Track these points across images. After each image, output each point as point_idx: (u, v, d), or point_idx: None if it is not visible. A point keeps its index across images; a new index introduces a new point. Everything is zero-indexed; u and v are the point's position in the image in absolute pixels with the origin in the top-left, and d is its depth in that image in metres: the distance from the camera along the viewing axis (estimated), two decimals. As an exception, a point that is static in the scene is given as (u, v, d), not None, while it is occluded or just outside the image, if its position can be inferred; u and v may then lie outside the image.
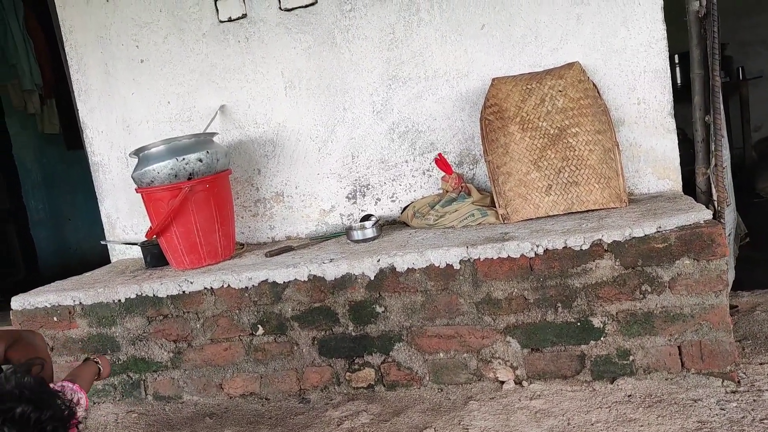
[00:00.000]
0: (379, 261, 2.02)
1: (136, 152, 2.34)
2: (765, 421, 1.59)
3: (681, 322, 1.84)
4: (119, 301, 2.25)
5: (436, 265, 1.98)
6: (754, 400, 1.70)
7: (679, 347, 1.86)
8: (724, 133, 2.39)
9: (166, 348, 2.26)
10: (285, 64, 2.63)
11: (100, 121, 2.87)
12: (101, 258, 3.01)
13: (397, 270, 2.01)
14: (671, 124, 2.34)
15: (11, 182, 4.78)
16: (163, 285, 2.20)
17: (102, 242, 2.88)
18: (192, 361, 2.24)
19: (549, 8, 2.34)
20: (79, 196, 4.87)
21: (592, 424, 1.70)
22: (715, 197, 2.38)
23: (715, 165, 2.37)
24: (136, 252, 2.81)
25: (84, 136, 2.90)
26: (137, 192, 2.38)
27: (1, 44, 4.46)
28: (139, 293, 2.23)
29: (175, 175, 2.25)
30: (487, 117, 2.32)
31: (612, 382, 1.89)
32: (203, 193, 2.30)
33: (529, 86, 2.30)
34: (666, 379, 1.86)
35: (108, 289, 2.26)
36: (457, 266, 1.96)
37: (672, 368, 1.87)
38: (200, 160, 2.29)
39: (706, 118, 2.39)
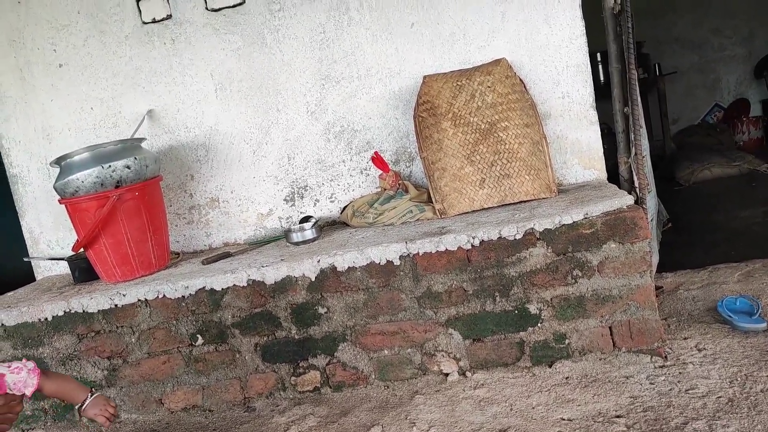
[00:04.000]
0: (319, 261, 2.00)
1: (58, 161, 2.22)
2: (690, 391, 1.69)
3: (611, 304, 1.93)
4: (45, 319, 2.13)
5: (377, 262, 1.99)
6: (680, 373, 1.80)
7: (610, 328, 1.95)
8: (642, 123, 2.53)
9: (100, 366, 2.16)
10: (214, 66, 2.57)
11: (17, 130, 2.71)
12: (26, 276, 2.83)
13: (338, 269, 2.00)
14: (594, 116, 2.45)
15: None
16: (94, 299, 2.10)
17: (25, 259, 2.72)
18: (128, 378, 2.15)
19: (475, 6, 2.40)
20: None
21: (533, 408, 1.76)
22: (636, 184, 2.51)
23: (635, 154, 2.50)
24: (64, 268, 2.67)
25: (0, 148, 2.73)
26: (61, 203, 2.26)
27: None
28: (68, 310, 2.12)
29: (101, 184, 2.15)
30: (420, 114, 2.35)
31: (550, 366, 1.96)
32: (133, 202, 2.22)
33: (459, 83, 2.35)
34: (600, 359, 1.94)
35: (33, 308, 2.14)
36: (397, 262, 1.98)
37: (605, 348, 1.96)
38: (128, 167, 2.20)
39: (625, 110, 2.51)
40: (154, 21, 2.56)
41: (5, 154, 2.74)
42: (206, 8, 2.53)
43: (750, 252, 2.78)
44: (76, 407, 1.39)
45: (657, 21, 5.96)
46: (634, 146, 2.49)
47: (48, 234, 2.74)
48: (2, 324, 2.15)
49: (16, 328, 2.15)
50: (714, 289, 2.45)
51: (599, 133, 2.47)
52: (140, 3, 2.55)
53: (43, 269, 2.78)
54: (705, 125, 6.30)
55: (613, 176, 2.49)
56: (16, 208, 2.76)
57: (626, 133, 2.54)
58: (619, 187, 2.28)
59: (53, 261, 2.69)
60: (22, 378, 1.23)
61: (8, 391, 1.20)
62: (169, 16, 2.55)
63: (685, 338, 2.04)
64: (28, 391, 1.25)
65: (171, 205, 2.63)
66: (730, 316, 2.07)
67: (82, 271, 2.42)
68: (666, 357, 1.92)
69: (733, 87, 6.34)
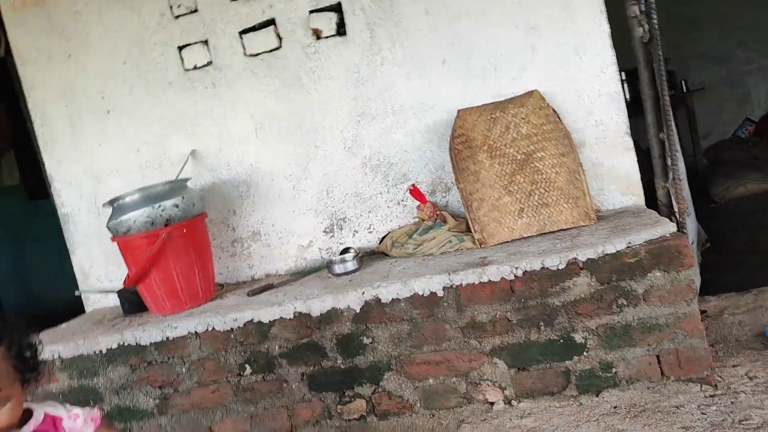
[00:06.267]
0: (363, 293, 2.05)
1: (111, 202, 2.33)
2: (744, 423, 1.67)
3: (657, 332, 1.93)
4: (100, 351, 2.21)
5: (420, 293, 2.02)
6: (732, 403, 1.78)
7: (657, 356, 1.94)
8: (678, 147, 2.55)
9: (152, 395, 2.22)
10: (254, 108, 2.68)
11: (67, 173, 2.84)
12: (72, 307, 2.92)
13: (381, 301, 2.04)
14: (629, 142, 2.47)
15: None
16: (146, 332, 2.18)
17: (77, 293, 2.82)
18: (179, 407, 2.20)
19: (505, 41, 2.47)
20: (44, 247, 4.75)
21: (583, 438, 1.75)
22: (675, 209, 2.52)
23: (673, 178, 2.51)
24: (112, 300, 2.76)
25: (52, 189, 2.87)
26: (113, 241, 2.36)
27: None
28: (121, 342, 2.19)
29: (152, 223, 2.25)
30: (456, 147, 2.41)
31: (597, 395, 1.95)
32: (181, 239, 2.30)
33: (493, 115, 2.41)
34: (648, 388, 1.93)
35: (88, 341, 2.22)
36: (440, 293, 2.01)
37: (653, 377, 1.94)
38: (176, 206, 2.29)
39: (660, 135, 2.54)
40: (195, 68, 2.69)
41: (57, 195, 2.87)
42: (244, 54, 2.65)
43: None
44: None
45: (681, 37, 5.95)
46: (671, 171, 2.51)
47: (97, 268, 2.85)
48: (60, 356, 2.24)
49: (73, 361, 2.24)
50: (761, 313, 2.41)
51: (635, 159, 2.49)
52: (182, 51, 2.69)
53: (93, 301, 2.88)
54: (737, 140, 6.21)
55: (649, 198, 2.49)
56: (67, 245, 2.88)
57: (662, 157, 2.56)
58: (658, 212, 2.29)
59: (104, 294, 2.78)
60: (78, 426, 1.27)
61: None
62: (209, 63, 2.68)
63: (734, 366, 2.01)
64: None
65: (215, 239, 2.72)
66: (780, 342, 2.04)
67: (132, 303, 2.51)
68: (716, 386, 1.89)
69: (763, 100, 6.27)
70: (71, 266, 2.89)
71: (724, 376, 1.95)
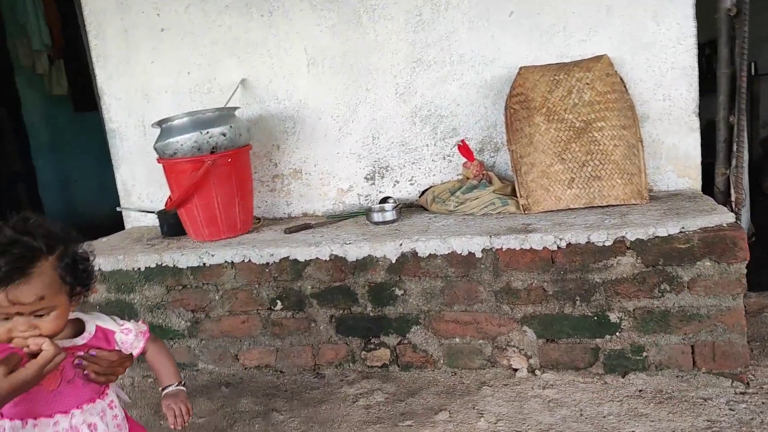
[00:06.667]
0: (401, 245, 2.03)
1: (160, 123, 2.33)
2: (774, 423, 1.63)
3: (696, 322, 1.88)
4: (139, 269, 2.27)
5: (458, 252, 2.00)
6: (763, 403, 1.74)
7: (692, 346, 1.90)
8: (745, 134, 2.40)
9: (184, 317, 2.28)
10: (309, 41, 2.60)
11: (118, 88, 2.84)
12: (109, 222, 2.99)
13: (418, 255, 2.03)
14: (695, 122, 2.35)
15: (21, 144, 4.73)
16: (184, 256, 2.22)
17: (118, 209, 2.88)
18: (209, 332, 2.27)
19: (580, -2, 2.32)
20: (87, 160, 4.85)
21: (604, 417, 1.74)
22: (733, 198, 2.40)
23: (736, 166, 2.39)
24: (151, 220, 2.82)
25: (101, 103, 2.88)
26: (159, 162, 2.37)
27: (10, 3, 4.38)
28: (159, 263, 2.24)
29: (198, 149, 2.25)
30: (512, 106, 2.32)
31: (623, 377, 1.93)
32: (225, 167, 2.30)
33: (556, 77, 2.29)
34: (677, 377, 1.90)
35: (128, 257, 2.28)
36: (479, 255, 1.98)
37: (683, 366, 1.91)
38: (223, 135, 2.28)
39: (731, 119, 2.39)
40: (253, -8, 2.61)
41: (106, 110, 2.88)
42: (305, -18, 2.55)
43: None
44: (160, 389, 1.37)
45: (754, 17, 5.53)
46: (735, 158, 2.38)
47: (140, 187, 2.89)
48: (100, 269, 2.30)
49: (112, 274, 2.30)
50: (802, 316, 2.33)
51: (699, 140, 2.37)
52: (243, -27, 2.60)
53: (132, 219, 2.94)
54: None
55: (705, 183, 2.38)
56: (113, 160, 2.91)
57: (728, 142, 2.43)
58: (714, 199, 2.19)
59: (143, 213, 2.84)
60: (129, 340, 1.29)
61: (116, 347, 1.28)
62: (269, -12, 2.59)
63: (769, 366, 1.96)
64: (135, 353, 1.31)
65: (256, 172, 2.72)
66: (820, 349, 1.97)
67: (171, 226, 2.55)
68: (748, 383, 1.85)
69: None
70: (113, 182, 2.93)
71: (758, 375, 1.91)
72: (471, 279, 2.01)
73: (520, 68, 2.36)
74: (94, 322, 1.26)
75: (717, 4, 2.33)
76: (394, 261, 2.05)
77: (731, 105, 2.41)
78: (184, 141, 2.24)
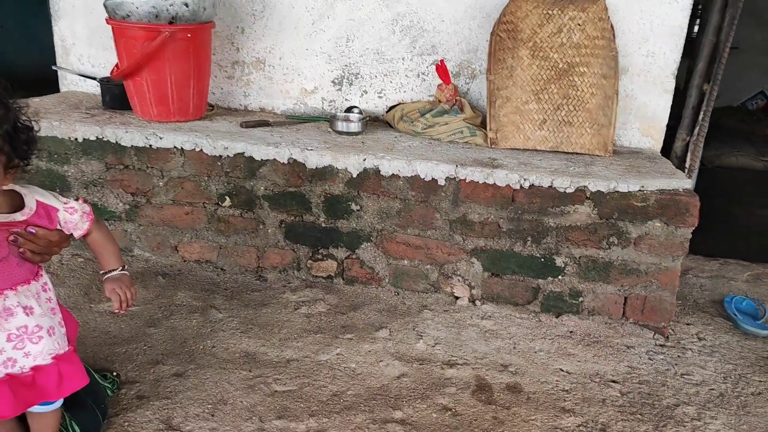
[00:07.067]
0: (365, 160, 1.96)
1: (115, -23, 2.05)
2: (685, 376, 1.77)
3: (635, 277, 1.97)
4: (76, 139, 2.07)
5: (422, 176, 1.95)
6: (679, 356, 1.88)
7: (625, 298, 2.00)
8: (712, 104, 2.44)
9: (123, 199, 2.14)
10: None
11: (65, -76, 2.46)
12: (37, 79, 2.67)
13: (381, 173, 1.97)
14: (671, 84, 2.34)
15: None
16: (129, 134, 2.04)
17: (54, 67, 2.58)
18: (148, 218, 2.15)
19: (593, -70, 2.18)
20: (17, 3, 4.28)
21: (535, 352, 1.83)
22: (687, 164, 2.48)
23: (698, 135, 2.44)
24: (91, 86, 2.56)
25: (43, -61, 2.49)
26: (108, 23, 2.11)
27: None
28: (100, 136, 2.05)
29: (156, 15, 2.01)
30: (499, 33, 2.21)
31: (557, 317, 2.02)
32: (183, 42, 2.09)
33: (549, 11, 2.19)
34: (605, 324, 2.01)
35: (65, 125, 2.06)
36: (441, 182, 1.95)
37: (613, 315, 2.02)
38: (186, 5, 2.05)
39: (704, 87, 2.41)
40: None
41: (49, -53, 2.51)
42: None
43: (762, 255, 2.81)
44: (101, 272, 1.28)
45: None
46: (699, 126, 2.42)
47: (80, 47, 2.59)
48: (30, 133, 2.08)
49: (44, 140, 2.09)
50: (722, 283, 2.51)
51: (670, 102, 2.37)
52: None
53: (68, 82, 2.66)
54: (742, 109, 6.10)
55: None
56: (51, 12, 2.57)
57: (696, 110, 2.46)
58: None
59: (83, 78, 2.56)
60: (74, 220, 1.17)
61: (58, 227, 1.16)
62: None
63: (687, 324, 2.11)
64: (77, 234, 1.20)
65: (215, 54, 2.49)
66: (735, 315, 2.14)
67: (114, 97, 2.33)
68: (668, 337, 1.99)
69: None
70: (45, 32, 2.60)
71: (677, 330, 2.05)
72: (429, 205, 1.99)
73: (516, -6, 2.22)
74: (34, 196, 1.13)
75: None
76: (355, 175, 1.98)
77: (708, 73, 2.42)
78: (141, 3, 1.99)
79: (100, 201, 2.15)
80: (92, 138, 2.06)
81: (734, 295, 2.27)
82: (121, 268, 1.29)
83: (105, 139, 2.06)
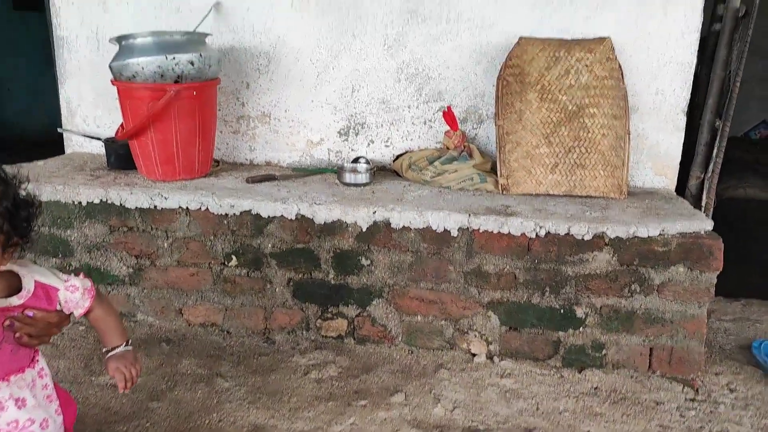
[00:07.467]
0: (374, 213, 1.90)
1: (120, 39, 2.05)
2: (722, 435, 1.66)
3: (660, 326, 1.87)
4: (80, 203, 2.04)
5: (434, 228, 1.89)
6: (711, 411, 1.77)
7: (651, 349, 1.90)
8: (725, 140, 2.38)
9: (126, 262, 2.09)
10: (296, -29, 2.34)
11: (70, -11, 2.49)
12: (42, 137, 2.67)
13: (391, 225, 1.91)
14: (682, 122, 2.30)
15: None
16: (133, 195, 2.00)
17: (59, 130, 2.59)
18: (152, 281, 2.09)
19: (593, -28, 2.18)
20: (23, 64, 4.36)
21: (560, 413, 1.72)
22: (703, 203, 2.40)
23: (712, 172, 2.37)
24: (96, 147, 2.55)
25: (50, 4, 2.53)
26: (113, 84, 2.11)
27: None
28: (105, 199, 2.02)
29: (162, 75, 2.00)
30: (506, 77, 2.18)
31: (580, 372, 1.92)
32: (189, 101, 2.07)
33: (556, 54, 2.17)
34: (632, 377, 1.90)
35: (68, 188, 2.03)
36: (454, 233, 1.88)
37: (639, 367, 1.91)
38: (191, 63, 2.04)
39: (717, 123, 2.36)
40: None
41: (54, 13, 2.53)
42: None
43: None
44: (104, 350, 1.21)
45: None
46: (713, 163, 2.36)
47: (86, 108, 2.60)
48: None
49: (48, 206, 2.06)
50: (747, 326, 2.40)
51: (682, 140, 2.32)
52: None
53: (74, 143, 2.65)
54: (747, 140, 6.06)
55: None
56: (58, 73, 2.59)
57: (709, 146, 2.40)
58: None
59: (88, 139, 2.56)
60: (75, 299, 1.12)
61: (58, 308, 1.11)
62: None
63: (716, 374, 1.99)
64: (77, 313, 1.14)
65: (220, 110, 2.48)
66: (765, 362, 2.03)
67: (119, 157, 2.31)
68: (697, 390, 1.88)
69: None
70: (50, 94, 2.61)
71: (706, 382, 1.94)
72: (442, 257, 1.92)
73: (520, 38, 2.21)
74: (32, 276, 1.08)
75: (726, 3, 2.25)
76: (365, 229, 1.92)
77: (719, 109, 2.37)
78: (146, 64, 1.99)
79: (104, 265, 2.10)
80: (96, 201, 2.03)
81: (762, 339, 2.16)
82: (124, 343, 1.22)
83: (109, 202, 2.02)
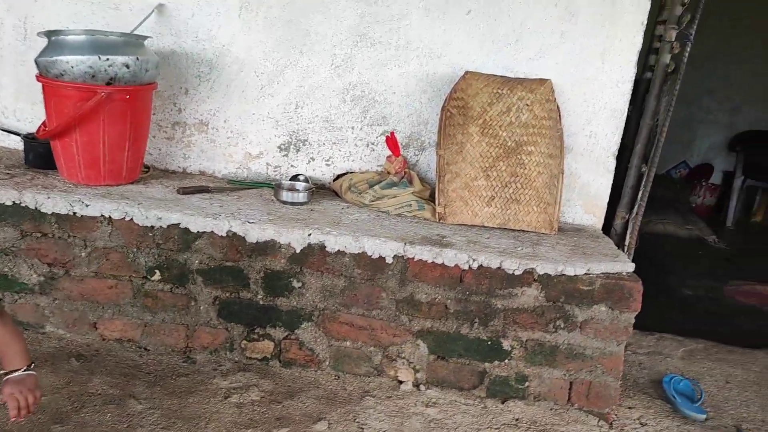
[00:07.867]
0: (310, 235, 1.87)
1: (49, 34, 1.92)
2: (632, 471, 1.72)
3: (580, 361, 1.93)
4: (-11, 204, 1.88)
5: (369, 254, 1.88)
6: (624, 446, 1.84)
7: (571, 383, 1.95)
8: (650, 185, 2.51)
9: (38, 270, 1.94)
10: (247, -19, 2.29)
11: (-3, -29, 2.33)
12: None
13: (326, 249, 1.88)
14: (612, 165, 2.41)
15: None
16: (51, 199, 1.87)
17: (-27, 120, 2.39)
18: (66, 291, 1.95)
19: (539, 16, 2.26)
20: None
21: (482, 445, 1.74)
22: (627, 242, 2.52)
23: (636, 214, 2.50)
24: (14, 142, 2.37)
25: (-27, -15, 2.34)
26: (38, 80, 1.97)
27: None
28: (18, 201, 1.87)
29: (92, 76, 1.89)
30: (450, 109, 2.22)
31: (503, 402, 1.95)
32: (121, 104, 1.97)
33: (500, 91, 2.23)
34: (551, 410, 1.95)
35: (-23, 187, 1.88)
36: (389, 260, 1.88)
37: (559, 400, 1.96)
38: (126, 66, 1.94)
39: (643, 168, 2.49)
40: None
41: (-22, -5, 2.36)
42: None
43: (695, 329, 2.85)
44: (1, 372, 1.12)
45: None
46: (638, 205, 2.48)
47: (5, 100, 2.42)
48: (-65, 194, 1.88)
49: (-49, 203, 1.89)
50: (659, 360, 2.52)
51: (611, 182, 2.43)
52: None
53: (-11, 136, 2.46)
54: (668, 178, 6.47)
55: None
56: (-24, 60, 2.40)
57: (635, 189, 2.52)
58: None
59: (5, 133, 2.38)
60: None
61: None
62: None
63: (629, 408, 2.08)
64: None
65: (155, 114, 2.37)
66: (674, 397, 2.13)
67: (39, 156, 2.16)
68: (611, 424, 1.95)
69: (704, 151, 6.46)
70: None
71: (620, 415, 2.01)
72: (375, 283, 1.91)
73: (466, 72, 2.25)
74: None
75: (657, 57, 2.39)
76: (298, 251, 1.88)
77: (646, 155, 2.51)
78: (76, 63, 1.87)
79: (11, 271, 1.94)
80: (8, 203, 1.88)
81: (672, 374, 2.28)
82: (25, 367, 1.12)
83: (23, 205, 1.88)
